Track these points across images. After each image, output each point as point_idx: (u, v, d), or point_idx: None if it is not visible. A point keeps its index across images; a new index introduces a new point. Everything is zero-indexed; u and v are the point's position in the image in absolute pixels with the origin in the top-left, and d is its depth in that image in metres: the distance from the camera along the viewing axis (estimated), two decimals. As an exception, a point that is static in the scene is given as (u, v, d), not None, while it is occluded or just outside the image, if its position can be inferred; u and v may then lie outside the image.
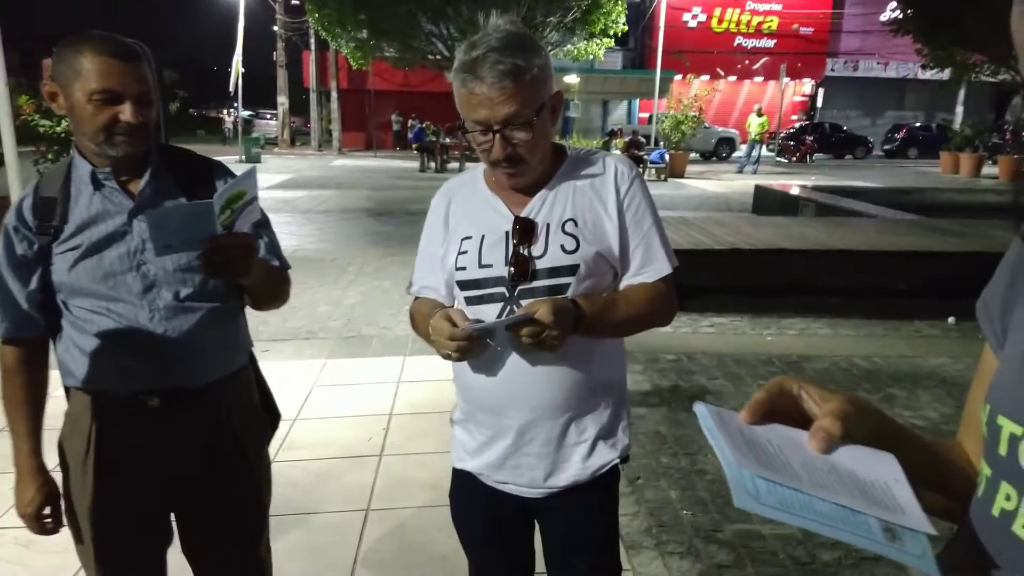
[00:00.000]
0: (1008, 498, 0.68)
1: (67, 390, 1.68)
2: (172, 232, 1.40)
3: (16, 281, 1.58)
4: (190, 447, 1.68)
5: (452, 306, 1.57)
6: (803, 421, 0.69)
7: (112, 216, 1.58)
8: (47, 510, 1.67)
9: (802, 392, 0.70)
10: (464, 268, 1.51)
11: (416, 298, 1.67)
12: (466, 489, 1.65)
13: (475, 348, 1.41)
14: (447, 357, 1.44)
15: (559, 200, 1.50)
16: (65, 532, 1.71)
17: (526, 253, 1.47)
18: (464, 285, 1.52)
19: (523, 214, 1.50)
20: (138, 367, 1.59)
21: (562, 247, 1.46)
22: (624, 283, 1.53)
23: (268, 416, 1.91)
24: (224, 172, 1.72)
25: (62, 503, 1.69)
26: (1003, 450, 0.68)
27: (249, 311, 1.81)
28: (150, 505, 1.71)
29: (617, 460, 1.57)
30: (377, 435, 3.80)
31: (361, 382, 4.57)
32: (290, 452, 3.57)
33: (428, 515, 3.03)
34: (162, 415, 1.63)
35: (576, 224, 1.48)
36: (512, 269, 1.46)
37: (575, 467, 1.53)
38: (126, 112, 1.49)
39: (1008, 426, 0.68)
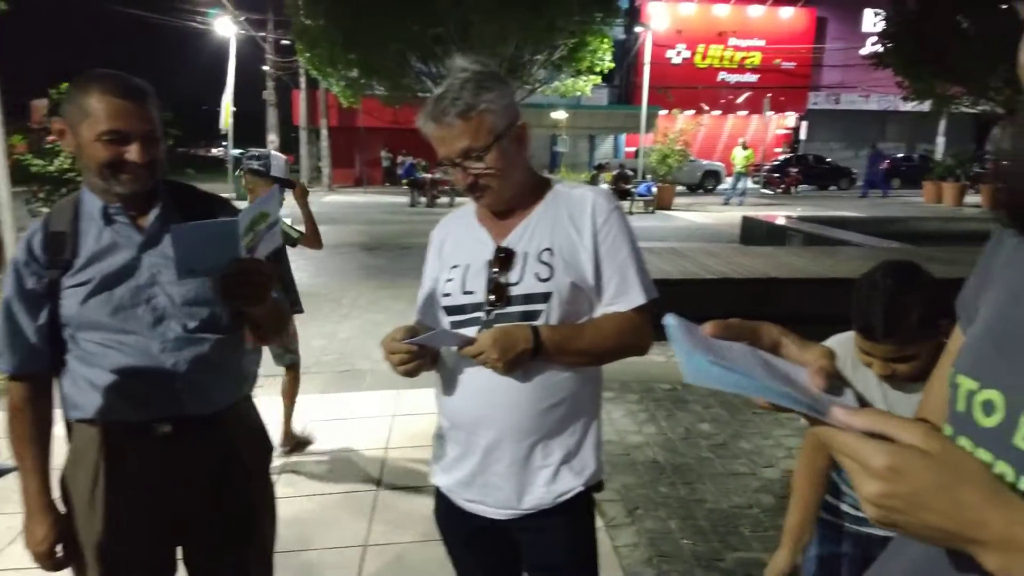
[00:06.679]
0: None
1: (69, 425, 1.68)
2: (195, 252, 1.41)
3: (26, 315, 1.59)
4: (197, 475, 1.68)
5: None
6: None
7: (121, 250, 1.60)
8: (59, 547, 1.65)
9: (782, 338, 0.78)
10: (449, 295, 1.60)
11: None
12: (444, 506, 1.72)
13: (418, 363, 1.50)
14: (397, 370, 1.52)
15: (539, 230, 1.57)
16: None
17: (502, 280, 1.54)
18: (449, 310, 1.61)
19: (504, 243, 1.57)
20: (149, 396, 1.61)
21: (537, 275, 1.53)
22: (598, 312, 1.57)
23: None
24: (228, 209, 1.75)
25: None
26: (961, 406, 0.73)
27: None
28: (158, 536, 1.70)
29: (581, 488, 1.58)
30: (373, 469, 3.78)
31: (356, 416, 4.55)
32: (286, 488, 3.53)
33: (427, 549, 3.00)
34: (172, 442, 1.63)
35: (552, 253, 1.54)
36: (490, 295, 1.54)
37: (539, 491, 1.56)
38: (132, 152, 1.52)
39: (965, 383, 0.73)
